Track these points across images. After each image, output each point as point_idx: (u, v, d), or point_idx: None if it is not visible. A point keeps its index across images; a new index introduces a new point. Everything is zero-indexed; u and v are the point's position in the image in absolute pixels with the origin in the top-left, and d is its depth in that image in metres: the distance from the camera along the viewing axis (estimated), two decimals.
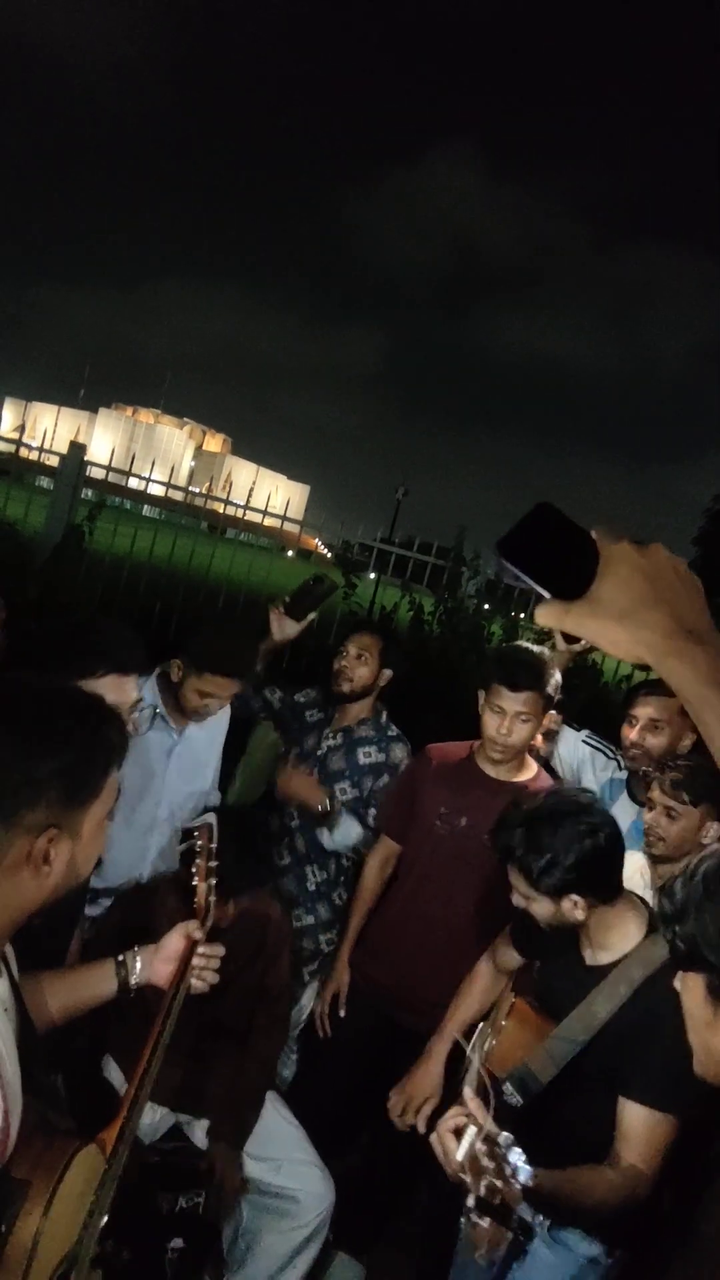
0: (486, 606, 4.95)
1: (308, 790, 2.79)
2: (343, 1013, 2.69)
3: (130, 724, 1.85)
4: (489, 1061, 1.89)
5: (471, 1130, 1.38)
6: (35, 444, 5.58)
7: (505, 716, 2.46)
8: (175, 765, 2.63)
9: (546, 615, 0.79)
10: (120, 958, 1.55)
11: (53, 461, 5.07)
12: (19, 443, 5.58)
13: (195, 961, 1.57)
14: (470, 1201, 1.32)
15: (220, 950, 1.60)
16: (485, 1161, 1.34)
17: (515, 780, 2.56)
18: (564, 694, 2.63)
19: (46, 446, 5.39)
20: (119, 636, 1.95)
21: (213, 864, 1.70)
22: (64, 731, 1.15)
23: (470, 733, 2.68)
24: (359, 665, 2.84)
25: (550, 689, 2.47)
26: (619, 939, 1.85)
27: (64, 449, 5.00)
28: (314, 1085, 2.74)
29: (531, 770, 2.60)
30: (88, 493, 5.03)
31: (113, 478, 5.26)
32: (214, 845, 1.71)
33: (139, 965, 1.54)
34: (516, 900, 1.89)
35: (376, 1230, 2.73)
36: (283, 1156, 2.31)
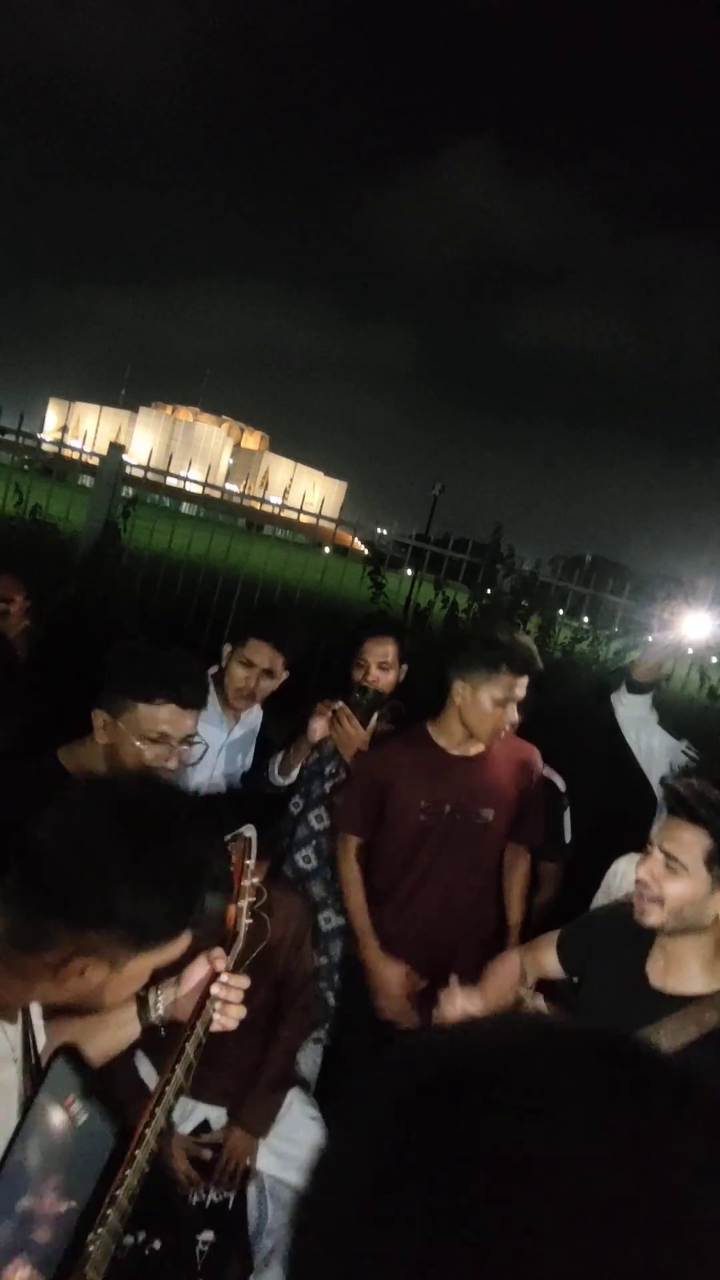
0: (524, 604, 4.91)
1: (354, 738, 2.69)
2: (384, 1015, 2.55)
3: (177, 756, 1.80)
4: None
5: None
6: (77, 444, 5.68)
7: (511, 703, 2.43)
8: (223, 760, 2.67)
9: None
10: (143, 994, 1.40)
11: (94, 462, 5.16)
12: (61, 443, 5.69)
13: (216, 992, 1.38)
14: None
15: (245, 982, 1.42)
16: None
17: (474, 753, 2.53)
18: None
19: (88, 447, 5.49)
20: (186, 669, 1.87)
21: (252, 882, 1.48)
22: (162, 882, 1.11)
23: None
24: (384, 674, 2.78)
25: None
26: (700, 972, 1.68)
27: (105, 449, 5.09)
28: (342, 1080, 2.73)
29: (480, 743, 2.53)
30: (128, 491, 5.10)
31: (151, 477, 5.33)
32: (250, 862, 1.48)
33: (160, 1002, 1.41)
34: (648, 869, 1.66)
35: None
36: (306, 1157, 2.29)
